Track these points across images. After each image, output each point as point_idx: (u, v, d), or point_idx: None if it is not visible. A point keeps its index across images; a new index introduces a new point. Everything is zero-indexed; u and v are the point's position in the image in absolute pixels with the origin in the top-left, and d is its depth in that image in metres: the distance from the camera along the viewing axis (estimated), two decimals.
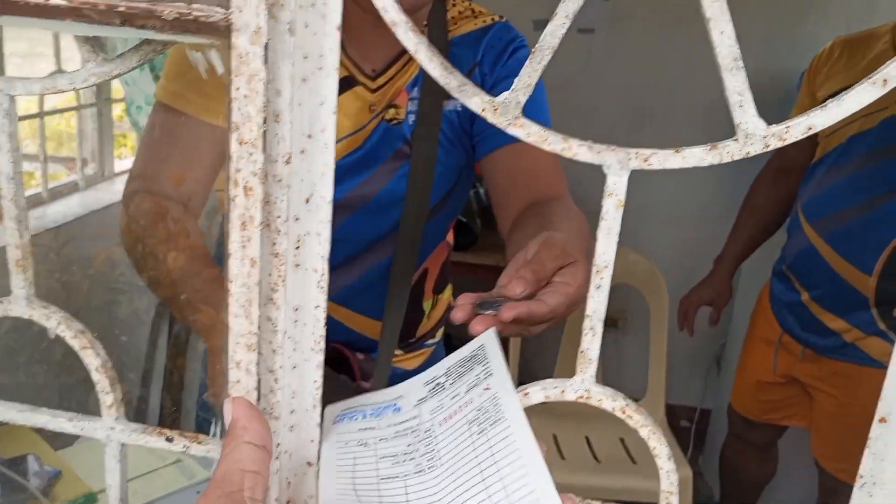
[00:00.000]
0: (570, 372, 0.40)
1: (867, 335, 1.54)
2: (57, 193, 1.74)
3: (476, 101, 0.37)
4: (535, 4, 2.45)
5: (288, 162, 0.37)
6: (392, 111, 0.97)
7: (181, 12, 0.35)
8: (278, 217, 0.38)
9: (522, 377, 1.63)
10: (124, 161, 1.94)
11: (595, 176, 0.39)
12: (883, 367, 0.42)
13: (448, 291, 1.19)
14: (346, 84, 0.95)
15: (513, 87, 0.37)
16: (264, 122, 0.35)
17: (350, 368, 1.03)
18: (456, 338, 1.17)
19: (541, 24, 2.58)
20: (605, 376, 2.50)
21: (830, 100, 0.33)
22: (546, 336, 0.80)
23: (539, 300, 0.58)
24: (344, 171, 0.95)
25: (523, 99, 0.37)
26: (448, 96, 0.94)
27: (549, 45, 0.36)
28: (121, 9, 0.36)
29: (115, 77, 0.40)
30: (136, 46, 0.39)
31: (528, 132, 0.37)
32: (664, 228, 2.68)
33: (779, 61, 2.38)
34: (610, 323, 2.83)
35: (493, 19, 1.02)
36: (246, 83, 0.34)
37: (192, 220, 0.87)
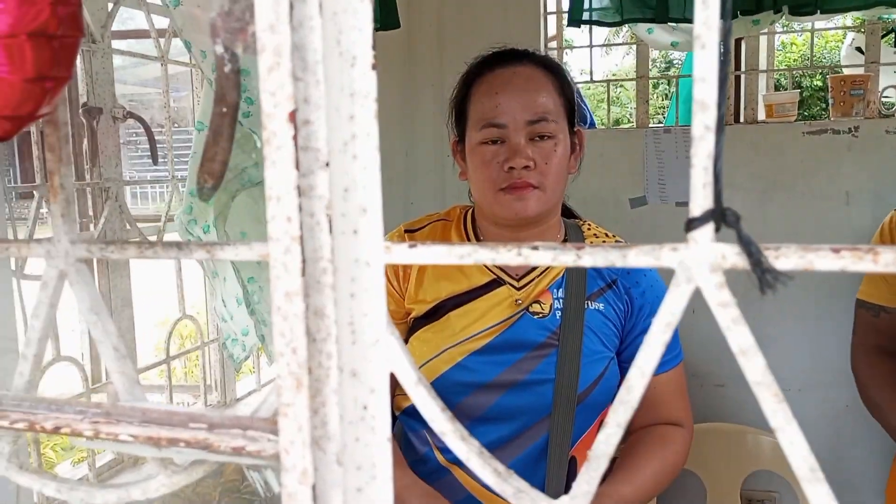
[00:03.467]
0: None
1: None
2: None
3: None
4: (630, 186, 2.48)
5: None
6: (536, 306, 1.12)
7: (235, 446, 0.36)
8: None
9: None
10: (246, 383, 2.03)
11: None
12: None
13: None
14: (494, 284, 1.12)
15: (571, 493, 0.35)
16: None
17: None
18: None
19: (637, 202, 2.60)
20: None
21: None
22: None
23: None
24: (490, 352, 1.09)
25: None
26: (589, 298, 1.13)
27: (604, 453, 0.34)
28: (181, 444, 0.37)
29: (183, 486, 0.41)
30: (200, 460, 0.40)
31: None
32: (797, 395, 2.48)
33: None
34: None
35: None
36: None
37: None
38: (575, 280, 1.12)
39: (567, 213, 1.27)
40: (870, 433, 1.68)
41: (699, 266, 0.31)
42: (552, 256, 0.33)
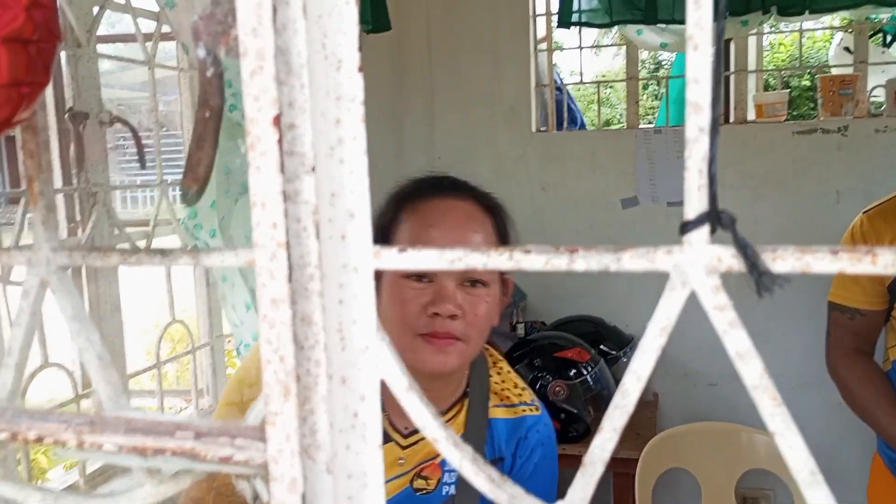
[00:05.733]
0: None
1: None
2: None
3: None
4: (621, 186, 2.48)
5: None
6: (421, 481, 0.99)
7: (222, 456, 0.35)
8: None
9: None
10: None
11: None
12: None
13: None
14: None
15: (567, 498, 0.34)
16: None
17: None
18: None
19: (628, 203, 2.60)
20: None
21: None
22: None
23: None
24: None
25: None
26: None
27: (599, 459, 0.33)
28: (168, 453, 0.36)
29: (171, 495, 0.40)
30: (188, 469, 0.39)
31: None
32: (792, 392, 2.49)
33: None
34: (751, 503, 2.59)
35: (527, 410, 1.08)
36: None
37: None
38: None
39: None
40: (864, 429, 1.69)
41: (695, 269, 0.30)
42: (545, 261, 0.32)
